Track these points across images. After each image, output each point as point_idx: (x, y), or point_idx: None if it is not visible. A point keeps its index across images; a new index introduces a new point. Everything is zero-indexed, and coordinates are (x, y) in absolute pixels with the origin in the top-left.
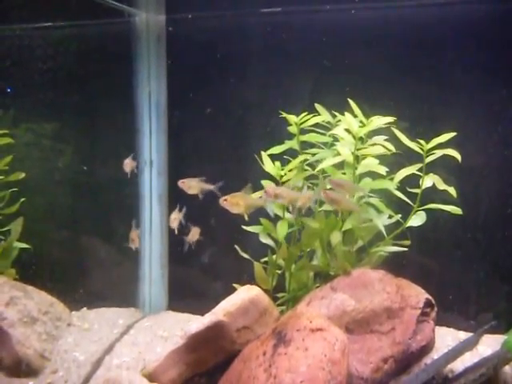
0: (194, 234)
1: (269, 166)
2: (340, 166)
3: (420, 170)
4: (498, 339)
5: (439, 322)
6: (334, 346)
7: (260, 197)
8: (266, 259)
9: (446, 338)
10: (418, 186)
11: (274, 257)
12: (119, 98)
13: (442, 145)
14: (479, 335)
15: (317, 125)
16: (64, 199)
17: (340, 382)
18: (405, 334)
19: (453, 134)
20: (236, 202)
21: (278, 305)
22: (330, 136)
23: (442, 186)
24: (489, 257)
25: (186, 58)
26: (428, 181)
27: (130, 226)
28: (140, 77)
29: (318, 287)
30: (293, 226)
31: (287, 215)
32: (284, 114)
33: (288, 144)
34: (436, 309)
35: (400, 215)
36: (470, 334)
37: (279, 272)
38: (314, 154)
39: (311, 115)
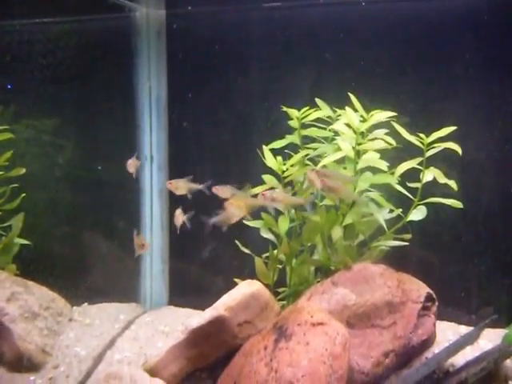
0: (179, 218)
1: (270, 160)
2: (341, 160)
3: (420, 163)
4: (499, 333)
5: (440, 316)
6: (335, 340)
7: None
8: (267, 254)
9: (447, 332)
10: (419, 180)
11: (275, 251)
12: (119, 94)
13: (442, 139)
14: (480, 329)
15: (317, 119)
16: (65, 195)
17: (341, 376)
18: (406, 328)
19: (453, 128)
20: (239, 205)
21: (279, 299)
22: (330, 130)
23: (442, 179)
24: (490, 251)
25: (186, 53)
26: (428, 175)
27: (130, 222)
28: (140, 72)
29: (318, 282)
30: (294, 221)
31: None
32: (285, 109)
33: (289, 138)
34: (437, 303)
35: (401, 209)
36: (470, 328)
37: (280, 267)
38: (315, 149)
39: (312, 110)
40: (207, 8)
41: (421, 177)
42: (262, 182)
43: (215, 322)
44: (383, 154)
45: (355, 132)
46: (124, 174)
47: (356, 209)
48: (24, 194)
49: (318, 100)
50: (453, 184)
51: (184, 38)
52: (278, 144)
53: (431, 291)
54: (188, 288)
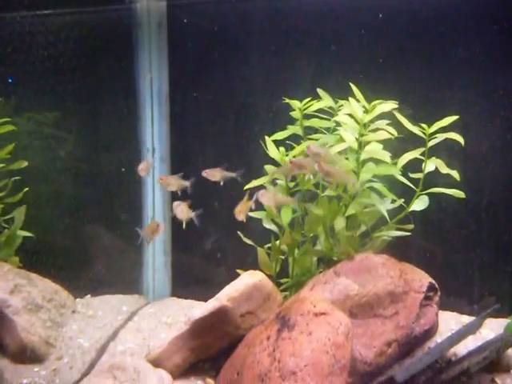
0: (183, 211)
1: (273, 151)
2: (343, 151)
3: (423, 154)
4: (502, 323)
5: (442, 306)
6: (337, 330)
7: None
8: (269, 245)
9: (450, 322)
10: (421, 171)
11: (278, 242)
12: (121, 86)
13: (444, 129)
14: (482, 318)
15: (319, 110)
16: (67, 187)
17: (344, 366)
18: (408, 318)
19: (455, 118)
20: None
21: (282, 290)
22: (334, 121)
23: (444, 169)
24: (492, 240)
25: (187, 44)
26: (430, 165)
27: (132, 214)
28: (141, 64)
29: (321, 272)
30: (296, 212)
31: None
32: (287, 100)
33: (291, 129)
34: (439, 293)
35: (403, 200)
36: (473, 318)
37: (282, 257)
38: (317, 140)
39: (315, 101)
40: None
41: (423, 167)
42: (264, 174)
43: (218, 312)
44: (385, 144)
45: (358, 123)
46: (126, 165)
47: (358, 199)
48: (27, 189)
49: (319, 90)
50: (455, 174)
51: (185, 29)
52: (280, 135)
53: (433, 281)
54: (191, 279)
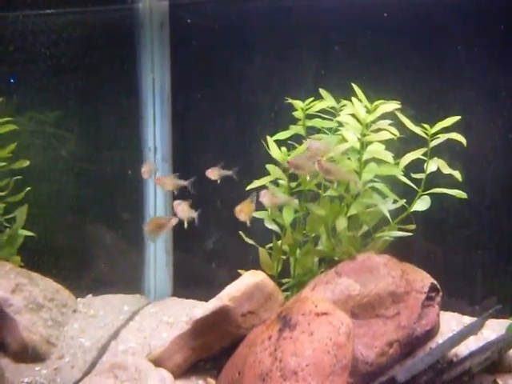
0: (184, 210)
1: (275, 151)
2: (345, 151)
3: (425, 154)
4: (503, 323)
5: (444, 306)
6: (339, 329)
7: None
8: (270, 245)
9: (451, 322)
10: (423, 171)
11: (279, 242)
12: (123, 85)
13: (446, 129)
14: (484, 319)
15: (321, 110)
16: (68, 186)
17: (345, 366)
18: (410, 318)
19: (457, 118)
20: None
21: (283, 290)
22: (337, 122)
23: (446, 170)
24: (494, 241)
25: (189, 44)
26: (432, 165)
27: (133, 213)
28: (143, 63)
29: (322, 272)
30: (298, 212)
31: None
32: (290, 100)
33: (294, 129)
34: (441, 293)
35: (405, 200)
36: (474, 319)
37: (284, 257)
38: (319, 140)
39: (317, 101)
40: None
41: (425, 167)
42: (266, 173)
43: (219, 312)
44: (387, 144)
45: (361, 123)
46: (128, 164)
47: (360, 199)
48: (29, 188)
49: (322, 90)
50: (457, 174)
51: (187, 28)
52: (282, 135)
53: (435, 281)
54: (192, 279)
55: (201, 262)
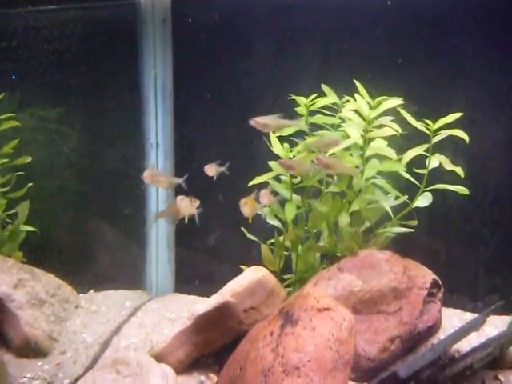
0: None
1: (277, 147)
2: (347, 147)
3: (427, 150)
4: (505, 320)
5: (446, 302)
6: (341, 325)
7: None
8: (272, 241)
9: (453, 319)
10: (425, 167)
11: (281, 238)
12: (125, 81)
13: (449, 126)
14: (486, 315)
15: (323, 106)
16: (70, 182)
17: (347, 362)
18: (412, 314)
19: (459, 114)
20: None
21: (285, 286)
22: (340, 118)
23: (449, 166)
24: (496, 237)
25: (191, 40)
26: (434, 161)
27: (136, 209)
28: (146, 59)
29: (324, 268)
30: (300, 208)
31: (294, 197)
32: (293, 96)
33: (297, 126)
34: (443, 289)
35: (407, 196)
36: (476, 315)
37: (286, 253)
38: (321, 136)
39: (320, 97)
40: None
41: (427, 163)
42: (268, 169)
43: (221, 307)
44: (389, 140)
45: (364, 119)
46: (130, 161)
47: (362, 195)
48: (31, 184)
49: (324, 86)
50: (459, 171)
51: (189, 24)
52: (285, 131)
53: (437, 277)
54: (194, 275)
55: (203, 258)
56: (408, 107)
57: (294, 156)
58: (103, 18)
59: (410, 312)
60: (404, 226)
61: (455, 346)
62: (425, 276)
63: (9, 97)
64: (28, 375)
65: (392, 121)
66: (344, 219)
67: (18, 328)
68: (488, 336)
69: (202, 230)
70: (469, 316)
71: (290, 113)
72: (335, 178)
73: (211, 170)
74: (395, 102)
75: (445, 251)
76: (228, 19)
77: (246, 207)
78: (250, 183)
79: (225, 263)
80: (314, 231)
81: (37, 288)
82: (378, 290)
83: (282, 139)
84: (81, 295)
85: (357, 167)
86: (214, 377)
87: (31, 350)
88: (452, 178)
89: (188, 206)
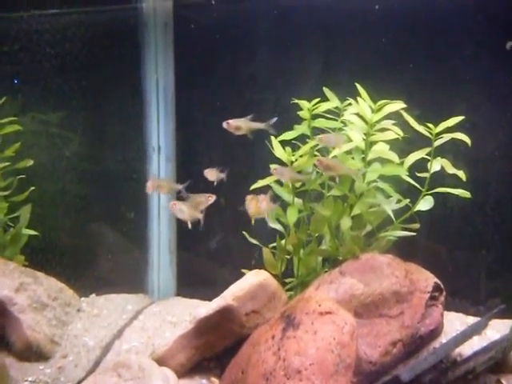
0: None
1: (279, 151)
2: (348, 151)
3: (429, 154)
4: (507, 323)
5: (448, 306)
6: (342, 329)
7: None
8: (274, 244)
9: (455, 322)
10: (427, 171)
11: (283, 242)
12: (127, 85)
13: (451, 129)
14: (488, 319)
15: (325, 110)
16: (72, 186)
17: (349, 365)
18: (413, 317)
19: (461, 118)
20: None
21: (287, 290)
22: (342, 121)
23: (450, 169)
24: (498, 241)
25: (193, 44)
26: (436, 165)
27: (137, 213)
28: (147, 63)
29: (326, 272)
30: (302, 212)
31: (296, 200)
32: (296, 100)
33: (299, 129)
34: (444, 293)
35: (408, 200)
36: (478, 319)
37: (288, 257)
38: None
39: (323, 101)
40: None
41: (429, 167)
42: (271, 173)
43: (223, 311)
44: (391, 144)
45: (367, 123)
46: (131, 164)
47: (364, 199)
48: (33, 188)
49: (326, 90)
50: (461, 174)
51: (191, 29)
52: (288, 135)
53: (439, 281)
54: (196, 279)
55: (204, 262)
56: (409, 111)
57: (295, 160)
58: (105, 22)
59: (411, 316)
60: (406, 229)
61: (457, 350)
62: (427, 280)
63: (11, 100)
64: (30, 379)
65: (394, 124)
66: (346, 223)
67: (19, 331)
68: (490, 340)
69: (203, 234)
70: (471, 320)
71: (291, 116)
72: (337, 180)
73: (211, 173)
74: (397, 105)
75: (446, 255)
76: (229, 23)
77: (252, 205)
78: (252, 187)
79: (226, 267)
80: (316, 235)
81: (38, 292)
82: (379, 294)
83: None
84: (82, 299)
85: (358, 170)
86: (215, 380)
87: (33, 354)
88: (453, 181)
89: (185, 211)
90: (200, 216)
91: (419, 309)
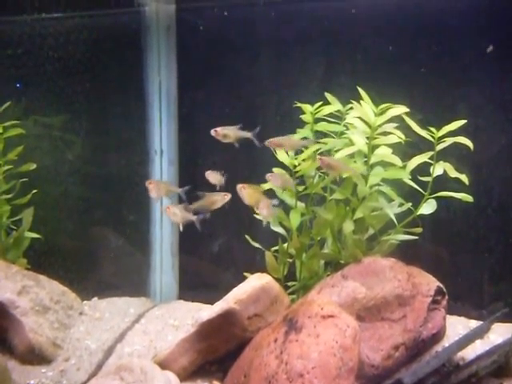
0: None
1: (282, 155)
2: (351, 154)
3: (431, 157)
4: (510, 327)
5: (450, 310)
6: (345, 332)
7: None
8: (276, 248)
9: (457, 326)
10: (429, 174)
11: (285, 245)
12: (129, 88)
13: (453, 133)
14: (491, 322)
15: (327, 113)
16: (75, 189)
17: (351, 369)
18: (416, 321)
19: (463, 122)
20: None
21: (289, 293)
22: (344, 125)
23: (453, 173)
24: (500, 245)
25: (195, 47)
26: (439, 168)
27: (140, 216)
28: (150, 67)
29: (328, 275)
30: (304, 215)
31: (299, 204)
32: (299, 104)
33: (301, 133)
34: (447, 297)
35: (411, 203)
36: (481, 323)
37: (290, 261)
38: (326, 144)
39: (325, 105)
40: (217, 2)
41: (431, 171)
42: None
43: (225, 314)
44: (393, 147)
45: (370, 126)
46: (134, 167)
47: (366, 203)
48: (35, 190)
49: (327, 94)
50: (464, 178)
51: (194, 32)
52: None
53: (441, 285)
54: (198, 282)
55: (207, 265)
56: (412, 115)
57: (298, 164)
58: (108, 26)
59: (414, 319)
60: (408, 233)
61: (460, 354)
62: (429, 283)
63: (14, 104)
64: (32, 382)
65: (396, 128)
66: (348, 226)
67: (22, 334)
68: (493, 343)
69: (205, 237)
70: (473, 323)
71: (293, 119)
72: (339, 183)
73: (212, 176)
74: (400, 109)
75: (449, 258)
76: (232, 26)
77: (244, 194)
78: None
79: (229, 270)
80: (318, 238)
81: (41, 295)
82: (382, 297)
83: None
84: (85, 302)
85: (362, 175)
86: None
87: (35, 357)
88: (456, 184)
89: (178, 214)
90: (194, 218)
91: (421, 312)
